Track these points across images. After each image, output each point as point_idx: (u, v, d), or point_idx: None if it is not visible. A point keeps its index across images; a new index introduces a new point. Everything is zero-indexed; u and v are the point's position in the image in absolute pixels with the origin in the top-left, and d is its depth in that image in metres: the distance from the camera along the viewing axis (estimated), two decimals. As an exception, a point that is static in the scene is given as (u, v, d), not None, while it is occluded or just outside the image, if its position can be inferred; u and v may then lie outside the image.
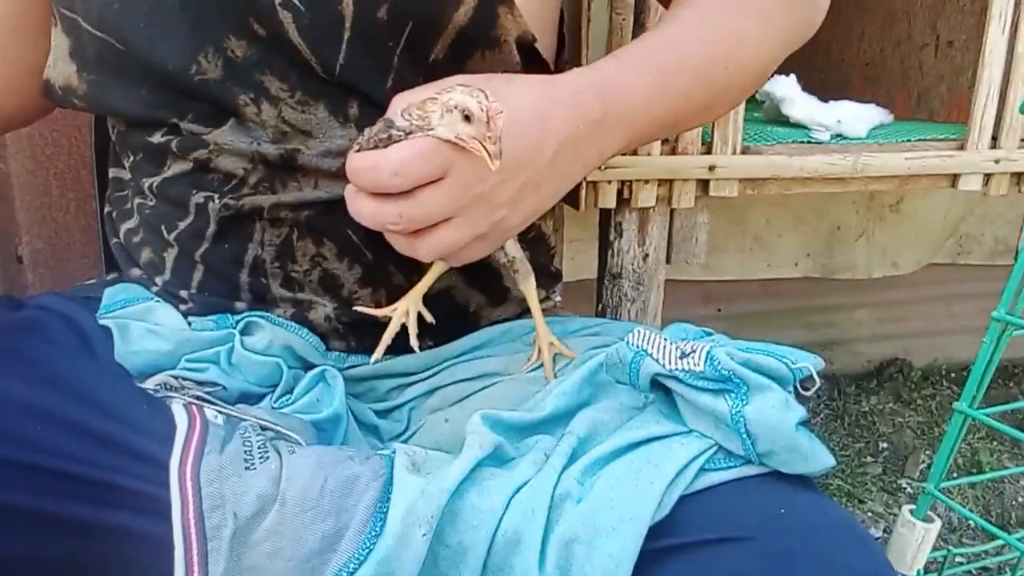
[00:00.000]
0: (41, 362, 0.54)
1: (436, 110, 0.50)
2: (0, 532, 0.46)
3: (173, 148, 0.64)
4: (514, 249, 0.64)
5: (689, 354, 0.51)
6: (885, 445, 1.74)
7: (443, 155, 0.51)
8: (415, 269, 0.63)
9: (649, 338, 0.53)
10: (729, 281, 1.82)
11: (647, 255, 1.12)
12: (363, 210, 0.54)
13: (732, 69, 0.64)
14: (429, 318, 0.63)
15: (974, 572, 1.30)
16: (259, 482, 0.48)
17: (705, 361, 0.50)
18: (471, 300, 0.70)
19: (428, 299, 0.63)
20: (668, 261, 1.15)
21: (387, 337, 0.61)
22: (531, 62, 0.65)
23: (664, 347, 0.53)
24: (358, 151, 0.53)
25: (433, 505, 0.46)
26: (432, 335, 0.66)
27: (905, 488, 1.62)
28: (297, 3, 0.59)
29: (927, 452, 1.72)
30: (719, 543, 0.47)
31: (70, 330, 0.63)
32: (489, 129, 0.48)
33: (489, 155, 0.48)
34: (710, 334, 0.57)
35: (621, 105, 0.59)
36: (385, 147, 0.51)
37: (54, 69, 0.67)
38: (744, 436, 0.49)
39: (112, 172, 0.74)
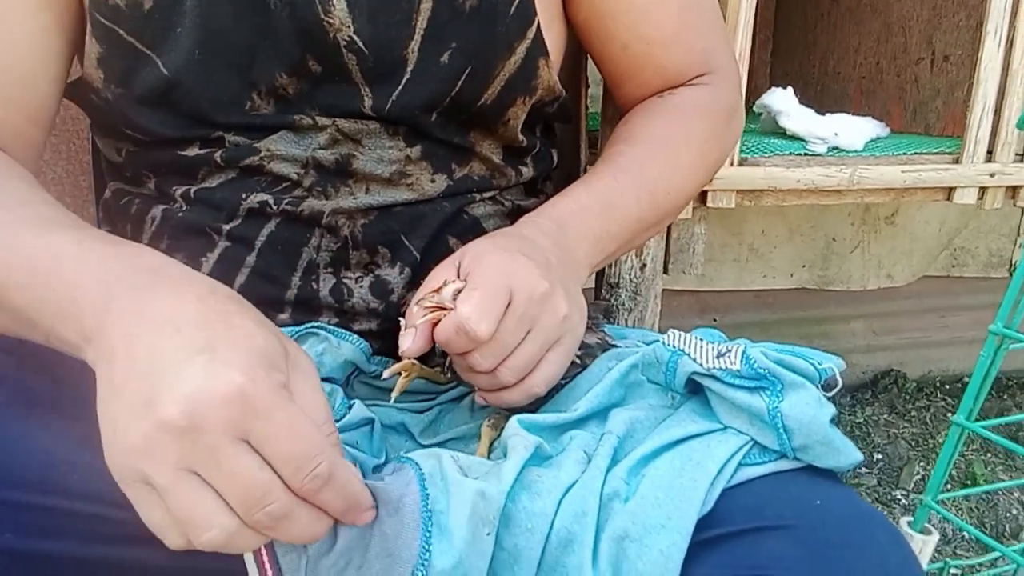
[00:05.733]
0: (61, 408, 0.50)
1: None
2: None
3: (217, 160, 0.63)
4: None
5: (725, 354, 0.52)
6: (880, 456, 1.75)
7: (502, 282, 0.52)
8: None
9: (685, 339, 0.55)
10: (725, 291, 1.83)
11: (644, 265, 1.13)
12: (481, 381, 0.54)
13: (673, 192, 0.71)
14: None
15: (969, 584, 1.30)
16: None
17: (741, 360, 0.51)
18: None
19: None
20: (665, 271, 1.16)
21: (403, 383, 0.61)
22: (550, 103, 0.72)
23: (700, 347, 0.54)
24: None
25: (494, 507, 0.48)
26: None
27: (900, 499, 1.63)
28: (362, 47, 0.60)
29: (921, 463, 1.73)
30: (758, 531, 0.48)
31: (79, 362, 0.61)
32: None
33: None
34: (732, 340, 0.58)
35: (576, 222, 0.64)
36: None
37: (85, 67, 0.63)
38: (781, 431, 0.50)
39: (114, 185, 0.70)
